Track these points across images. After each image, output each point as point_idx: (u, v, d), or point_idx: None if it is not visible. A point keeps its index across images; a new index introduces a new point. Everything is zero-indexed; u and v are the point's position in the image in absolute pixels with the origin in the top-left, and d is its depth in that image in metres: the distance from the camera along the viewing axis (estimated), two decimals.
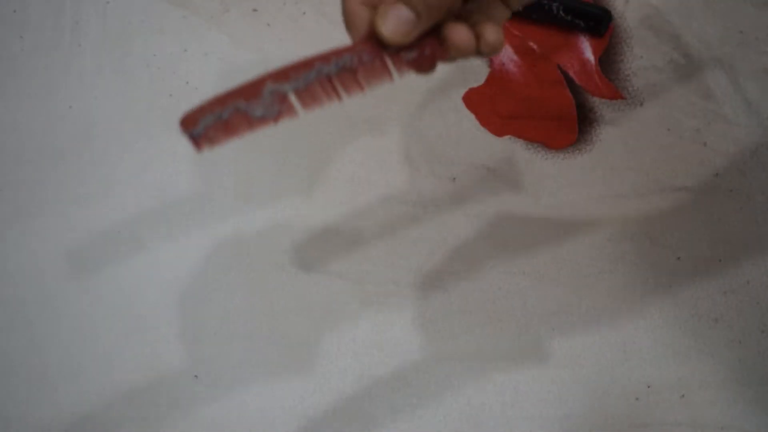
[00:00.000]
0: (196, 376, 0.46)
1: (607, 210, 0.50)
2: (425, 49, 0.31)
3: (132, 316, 0.47)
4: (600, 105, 0.52)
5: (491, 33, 0.31)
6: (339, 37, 0.52)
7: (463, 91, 0.52)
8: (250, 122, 0.30)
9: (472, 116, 0.52)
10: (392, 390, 0.46)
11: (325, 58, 0.30)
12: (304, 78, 0.30)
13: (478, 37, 0.31)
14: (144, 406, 0.45)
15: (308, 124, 0.51)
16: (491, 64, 0.53)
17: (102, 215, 0.49)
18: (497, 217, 0.49)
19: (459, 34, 0.31)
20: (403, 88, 0.52)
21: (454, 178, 0.50)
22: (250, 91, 0.30)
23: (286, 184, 0.50)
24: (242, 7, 0.53)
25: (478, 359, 0.47)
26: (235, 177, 0.50)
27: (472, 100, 0.52)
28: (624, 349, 0.47)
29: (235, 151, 0.51)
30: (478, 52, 0.32)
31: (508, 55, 0.53)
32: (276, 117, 0.30)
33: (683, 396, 0.46)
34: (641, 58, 0.52)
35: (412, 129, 0.51)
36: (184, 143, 0.48)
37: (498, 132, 0.51)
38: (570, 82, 0.52)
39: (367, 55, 0.30)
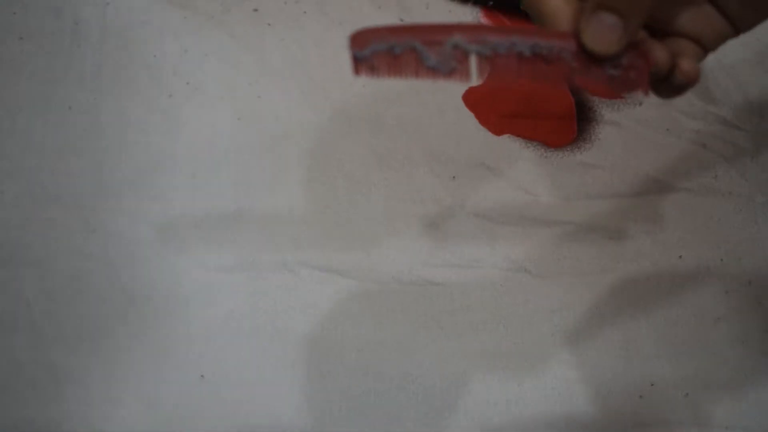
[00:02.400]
0: (202, 376, 0.46)
1: (607, 209, 0.50)
2: (630, 71, 0.28)
3: (137, 316, 0.47)
4: (599, 104, 0.52)
5: (687, 63, 0.30)
6: (340, 36, 0.53)
7: (462, 90, 0.52)
8: (419, 68, 0.27)
9: (471, 115, 0.52)
10: (396, 388, 0.46)
11: (524, 34, 0.27)
12: (494, 45, 0.27)
13: (674, 65, 0.29)
14: (151, 407, 0.45)
15: (307, 121, 0.51)
16: None
17: (102, 216, 0.49)
18: (497, 215, 0.49)
19: (656, 47, 0.29)
20: (403, 86, 0.52)
21: (454, 177, 0.50)
22: (434, 35, 0.27)
23: (284, 183, 0.50)
24: (243, 7, 0.54)
25: (482, 357, 0.47)
26: (234, 176, 0.50)
27: (472, 99, 0.52)
28: (626, 347, 0.47)
29: (234, 150, 0.51)
30: (672, 81, 0.30)
31: None
32: (448, 74, 0.27)
33: (687, 395, 0.46)
34: None
35: (411, 127, 0.52)
36: (184, 143, 0.50)
37: (497, 131, 0.51)
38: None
39: (568, 53, 0.27)
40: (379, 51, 0.27)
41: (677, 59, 0.30)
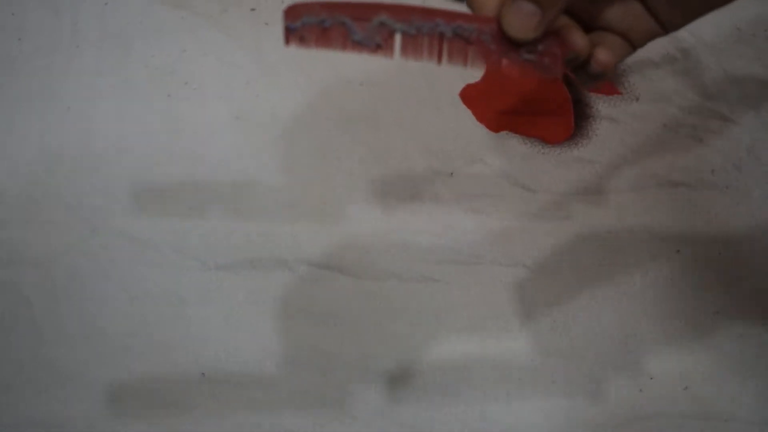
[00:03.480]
0: (203, 374, 0.46)
1: (605, 204, 0.50)
2: (545, 57, 0.29)
3: (138, 315, 0.47)
4: (596, 100, 0.52)
5: (602, 53, 0.31)
6: None
7: (460, 87, 0.52)
8: (346, 42, 0.29)
9: (469, 112, 0.52)
10: (396, 384, 0.46)
11: (448, 16, 0.29)
12: (418, 25, 0.29)
13: (591, 54, 0.31)
14: (152, 405, 0.45)
15: (305, 119, 0.51)
16: None
17: (102, 215, 0.49)
18: (495, 211, 0.49)
19: (576, 36, 0.30)
20: (401, 83, 0.52)
21: (452, 173, 0.50)
22: (362, 12, 0.29)
23: (283, 181, 0.50)
24: (240, 7, 0.54)
25: (481, 351, 0.47)
26: (235, 173, 0.50)
27: (469, 96, 0.52)
28: (626, 341, 0.47)
29: (234, 148, 0.51)
30: (588, 69, 0.32)
31: None
32: (373, 49, 0.29)
33: (686, 388, 0.46)
34: (637, 54, 0.52)
35: (409, 124, 0.52)
36: (182, 144, 0.50)
37: (494, 128, 0.51)
38: (566, 77, 0.52)
39: (488, 36, 0.29)
40: (309, 24, 0.29)
41: (594, 49, 0.31)
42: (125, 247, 0.48)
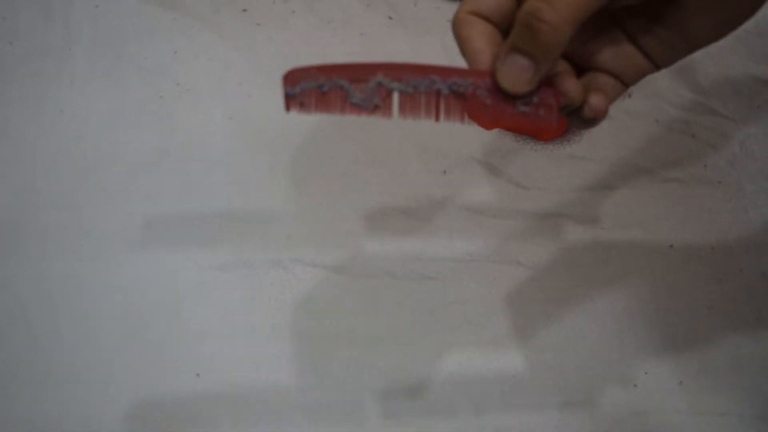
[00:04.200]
0: (198, 374, 0.46)
1: (598, 200, 0.50)
2: (540, 108, 0.30)
3: (133, 316, 0.47)
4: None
5: (595, 98, 0.31)
6: (329, 35, 0.53)
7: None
8: (344, 105, 0.29)
9: None
10: (392, 382, 0.46)
11: (442, 73, 0.29)
12: (414, 84, 0.29)
13: (585, 100, 0.31)
14: (147, 406, 0.45)
15: (299, 119, 0.51)
16: None
17: (96, 217, 0.49)
18: (489, 209, 0.49)
19: (570, 84, 0.30)
20: None
21: (445, 171, 0.50)
22: (359, 74, 0.29)
23: (277, 181, 0.50)
24: (232, 8, 0.54)
25: (476, 349, 0.47)
26: (229, 174, 0.50)
27: None
28: (620, 336, 0.47)
29: (228, 149, 0.51)
30: (582, 114, 0.32)
31: None
32: (371, 111, 0.29)
33: (681, 383, 0.46)
34: None
35: (403, 124, 0.51)
36: (176, 144, 0.50)
37: (486, 126, 0.51)
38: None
39: (483, 90, 0.29)
40: (307, 89, 0.29)
41: (588, 94, 0.31)
42: (119, 248, 0.48)
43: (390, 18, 0.54)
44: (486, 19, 0.31)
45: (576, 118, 0.32)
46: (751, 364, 0.46)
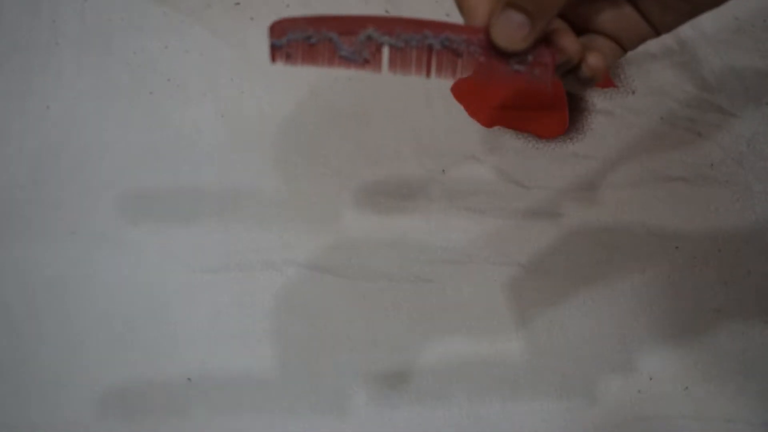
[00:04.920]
0: (189, 378, 0.45)
1: (601, 200, 0.49)
2: (535, 67, 0.29)
3: (121, 319, 0.46)
4: (591, 94, 0.51)
5: (593, 57, 0.31)
6: None
7: (451, 82, 0.51)
8: (333, 58, 0.29)
9: (461, 107, 0.51)
10: (389, 386, 0.45)
11: (436, 28, 0.29)
12: (406, 38, 0.29)
13: (582, 59, 0.31)
14: (136, 411, 0.45)
15: (292, 116, 0.50)
16: None
17: (83, 217, 0.48)
18: (488, 209, 0.49)
19: (567, 40, 0.30)
20: (391, 78, 0.51)
21: (444, 170, 0.50)
22: (348, 26, 0.28)
23: (270, 180, 0.49)
24: (224, 2, 0.53)
25: (476, 354, 0.46)
26: (220, 173, 0.50)
27: (461, 90, 0.51)
28: (624, 340, 0.46)
29: (219, 146, 0.50)
30: (578, 74, 0.31)
31: None
32: (360, 64, 0.29)
33: (687, 388, 0.45)
34: None
35: (400, 121, 0.51)
36: (165, 141, 0.49)
37: (487, 123, 0.50)
38: None
39: (476, 47, 0.29)
40: (295, 40, 0.28)
41: (586, 53, 0.31)
42: (107, 249, 0.48)
43: (387, 12, 0.53)
44: None
45: (572, 78, 0.32)
46: (759, 369, 0.46)
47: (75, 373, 0.45)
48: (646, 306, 0.47)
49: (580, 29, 0.33)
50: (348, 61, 0.29)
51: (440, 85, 0.51)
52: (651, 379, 0.46)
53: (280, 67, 0.51)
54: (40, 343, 0.46)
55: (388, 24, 0.29)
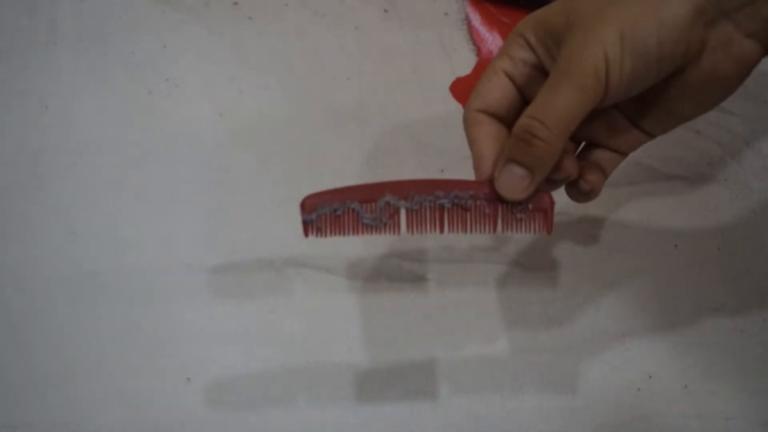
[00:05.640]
0: (188, 378, 0.45)
1: (600, 199, 0.46)
2: (536, 213, 0.32)
3: (120, 319, 0.46)
4: None
5: (593, 174, 0.34)
6: (322, 29, 0.52)
7: (450, 81, 0.51)
8: (357, 225, 0.32)
9: (458, 106, 0.51)
10: (388, 386, 0.45)
11: (445, 187, 0.32)
12: (419, 200, 0.32)
13: (581, 174, 0.34)
14: (135, 410, 0.45)
15: (291, 116, 0.50)
16: (479, 52, 0.52)
17: (81, 219, 0.48)
18: None
19: (567, 162, 0.33)
20: (389, 77, 0.51)
21: (443, 170, 0.49)
22: (368, 194, 0.32)
23: (269, 180, 0.49)
24: (222, 1, 0.53)
25: (476, 352, 0.46)
26: (217, 172, 0.49)
27: (460, 89, 0.51)
28: (623, 339, 0.46)
29: (218, 146, 0.50)
30: (579, 187, 0.34)
31: (496, 43, 0.52)
32: (380, 228, 0.32)
33: (686, 386, 0.45)
34: None
35: (398, 120, 0.50)
36: (164, 141, 0.49)
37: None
38: None
39: (483, 200, 0.32)
40: (323, 214, 0.32)
41: (584, 170, 0.34)
42: (106, 249, 0.47)
43: (386, 11, 0.53)
44: (493, 115, 0.33)
45: (573, 190, 0.35)
46: (757, 367, 0.46)
47: (74, 374, 0.45)
48: (645, 304, 0.47)
49: (580, 141, 0.36)
50: (370, 227, 0.32)
51: (439, 84, 0.51)
52: (650, 377, 0.45)
53: (278, 66, 0.51)
54: (38, 345, 0.46)
55: (403, 188, 0.32)
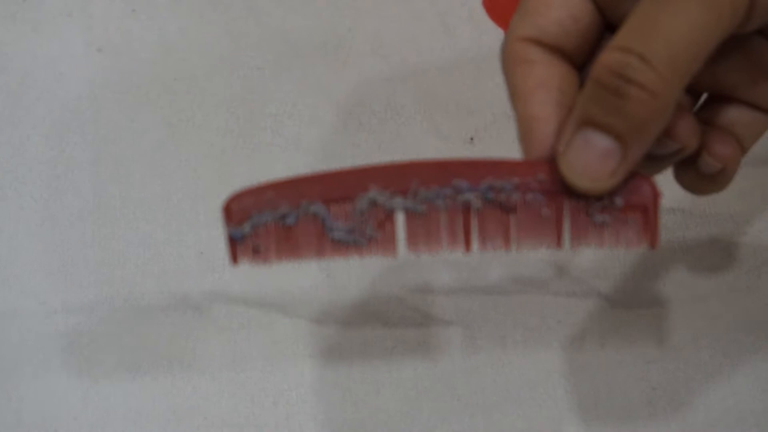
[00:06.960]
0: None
1: (739, 189, 0.40)
2: (628, 214, 0.23)
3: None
4: None
5: (722, 143, 0.26)
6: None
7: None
8: (322, 243, 0.23)
9: (498, 31, 0.41)
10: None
11: (472, 172, 0.23)
12: (428, 196, 0.22)
13: (704, 146, 0.26)
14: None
15: (221, 53, 0.42)
16: None
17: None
18: None
19: (681, 124, 0.25)
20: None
21: (472, 138, 0.41)
22: (341, 189, 0.22)
23: (180, 158, 0.42)
24: None
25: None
26: (91, 145, 0.41)
27: (499, 4, 0.41)
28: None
29: (91, 100, 0.41)
30: (699, 166, 0.26)
31: None
32: (362, 247, 0.23)
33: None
34: None
35: (397, 58, 0.42)
36: (3, 97, 0.44)
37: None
38: None
39: (538, 192, 0.23)
40: (263, 224, 0.22)
41: (709, 138, 0.26)
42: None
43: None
44: (554, 48, 0.25)
45: (689, 173, 0.27)
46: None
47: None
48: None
49: (700, 92, 0.29)
50: (344, 246, 0.23)
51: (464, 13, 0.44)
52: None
53: None
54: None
55: (400, 176, 0.23)
